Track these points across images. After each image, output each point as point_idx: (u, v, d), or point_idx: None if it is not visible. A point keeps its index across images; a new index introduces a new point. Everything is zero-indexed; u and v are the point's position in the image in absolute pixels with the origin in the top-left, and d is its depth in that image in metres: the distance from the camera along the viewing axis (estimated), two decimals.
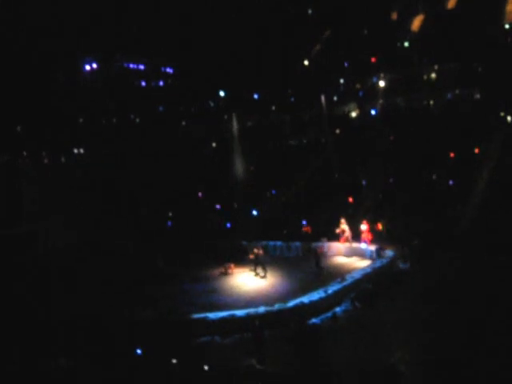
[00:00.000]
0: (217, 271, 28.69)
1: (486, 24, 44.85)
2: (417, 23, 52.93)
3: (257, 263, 27.41)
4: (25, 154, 45.08)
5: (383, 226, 31.07)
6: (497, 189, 30.88)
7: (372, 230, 30.32)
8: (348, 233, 30.55)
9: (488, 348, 16.11)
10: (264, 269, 26.98)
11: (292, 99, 52.37)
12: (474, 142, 37.30)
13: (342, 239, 30.78)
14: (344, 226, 30.61)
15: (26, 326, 21.04)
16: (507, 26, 46.92)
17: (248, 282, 26.56)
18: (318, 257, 27.68)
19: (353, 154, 40.24)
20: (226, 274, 28.21)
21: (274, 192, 40.85)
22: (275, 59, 48.79)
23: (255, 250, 27.74)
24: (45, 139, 45.04)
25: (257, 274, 27.19)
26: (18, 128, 47.30)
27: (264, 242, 31.84)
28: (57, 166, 46.35)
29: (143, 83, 56.45)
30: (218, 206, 40.04)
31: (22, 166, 42.69)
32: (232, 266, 28.60)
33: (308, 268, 27.85)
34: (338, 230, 30.84)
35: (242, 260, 29.48)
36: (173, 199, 41.46)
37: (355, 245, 30.30)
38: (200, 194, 42.41)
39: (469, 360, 15.52)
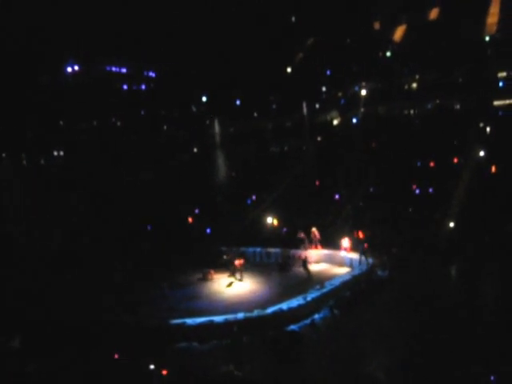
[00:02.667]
0: (196, 277, 28.51)
1: (467, 36, 45.55)
2: (399, 33, 53.56)
3: (235, 271, 27.31)
4: (3, 155, 44.60)
5: (364, 234, 31.24)
6: (475, 198, 31.22)
7: (352, 237, 30.46)
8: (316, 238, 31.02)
9: (468, 354, 16.23)
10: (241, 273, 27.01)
11: (274, 106, 52.54)
12: (454, 151, 37.70)
13: (313, 246, 31.11)
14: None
15: (7, 329, 20.74)
16: (487, 38, 47.67)
17: (227, 288, 26.46)
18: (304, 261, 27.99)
19: (334, 161, 40.37)
20: (205, 279, 28.02)
21: (254, 198, 40.83)
22: (258, 66, 48.94)
23: (237, 262, 27.47)
24: (24, 141, 44.62)
25: (238, 280, 27.01)
26: None
27: (243, 248, 31.73)
28: (36, 167, 45.86)
29: (125, 86, 56.23)
30: (197, 211, 39.87)
31: (1, 167, 42.15)
32: (212, 272, 28.44)
33: (288, 274, 27.92)
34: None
35: (221, 266, 29.33)
36: (153, 203, 41.24)
37: (334, 252, 30.43)
38: (181, 199, 42.15)
39: (447, 367, 15.61)
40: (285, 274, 28.29)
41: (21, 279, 28.91)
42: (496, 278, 23.36)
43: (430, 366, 15.82)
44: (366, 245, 28.64)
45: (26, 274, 29.90)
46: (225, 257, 28.17)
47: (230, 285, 26.92)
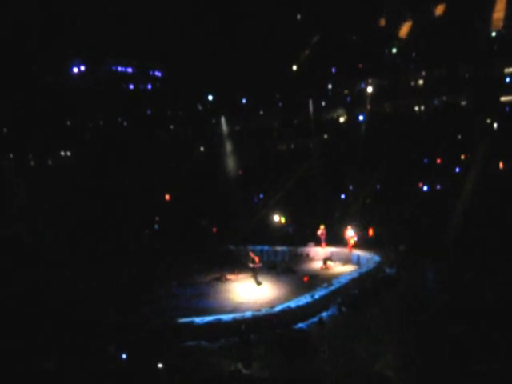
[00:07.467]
0: (209, 277, 28.35)
1: (473, 31, 45.34)
2: (405, 30, 53.39)
3: (254, 272, 26.69)
4: (11, 155, 44.80)
5: (372, 230, 31.28)
6: (483, 195, 31.09)
7: (359, 234, 30.50)
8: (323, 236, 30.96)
9: (475, 354, 16.19)
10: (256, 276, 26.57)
11: (280, 104, 52.51)
12: (461, 148, 37.58)
13: (323, 244, 31.13)
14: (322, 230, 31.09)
15: (12, 328, 20.79)
16: (494, 34, 47.47)
17: (235, 286, 26.45)
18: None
19: (340, 159, 40.35)
20: (222, 280, 27.58)
21: (261, 196, 40.90)
22: (264, 64, 48.91)
23: (254, 260, 26.79)
24: (31, 141, 44.79)
25: (259, 284, 26.48)
26: (4, 130, 47.05)
27: (251, 247, 31.73)
28: (43, 168, 46.04)
29: (131, 86, 56.39)
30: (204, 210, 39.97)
31: (8, 168, 42.31)
32: (227, 275, 27.94)
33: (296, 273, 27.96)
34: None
35: (234, 265, 29.30)
36: (160, 202, 41.37)
37: (340, 250, 30.44)
38: (187, 197, 42.25)
39: (456, 365, 15.58)
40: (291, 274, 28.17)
41: (26, 278, 29.01)
42: (504, 276, 23.22)
43: (438, 364, 15.80)
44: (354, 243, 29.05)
45: (31, 272, 30.01)
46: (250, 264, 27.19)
47: (259, 284, 26.13)
